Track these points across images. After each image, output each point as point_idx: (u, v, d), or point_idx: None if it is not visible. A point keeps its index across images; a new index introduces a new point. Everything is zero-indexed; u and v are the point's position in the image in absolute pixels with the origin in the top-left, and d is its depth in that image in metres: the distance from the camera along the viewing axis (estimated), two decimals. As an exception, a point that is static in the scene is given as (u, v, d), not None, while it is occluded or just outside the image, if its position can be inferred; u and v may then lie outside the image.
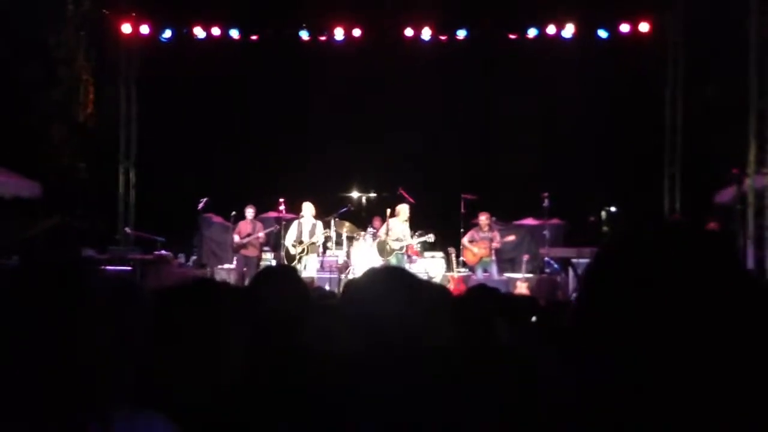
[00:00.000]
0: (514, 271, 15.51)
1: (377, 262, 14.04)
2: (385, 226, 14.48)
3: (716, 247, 1.22)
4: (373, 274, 2.54)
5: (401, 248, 14.31)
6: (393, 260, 14.11)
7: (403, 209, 14.50)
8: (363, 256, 14.51)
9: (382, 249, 14.36)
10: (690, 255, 1.21)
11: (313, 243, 14.47)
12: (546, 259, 15.14)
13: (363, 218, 15.70)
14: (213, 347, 2.26)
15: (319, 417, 2.19)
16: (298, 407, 2.23)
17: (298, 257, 14.43)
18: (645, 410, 1.16)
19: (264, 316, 2.88)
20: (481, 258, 14.53)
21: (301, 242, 14.47)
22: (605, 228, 14.52)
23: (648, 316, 1.17)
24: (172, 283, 2.49)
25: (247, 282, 12.53)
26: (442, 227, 15.64)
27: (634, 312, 1.18)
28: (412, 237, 14.51)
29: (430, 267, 14.99)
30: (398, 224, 14.43)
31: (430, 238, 14.45)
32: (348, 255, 14.84)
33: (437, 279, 14.20)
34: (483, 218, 14.61)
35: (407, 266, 14.32)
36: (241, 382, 2.27)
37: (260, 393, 2.29)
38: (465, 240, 14.75)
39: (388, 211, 14.70)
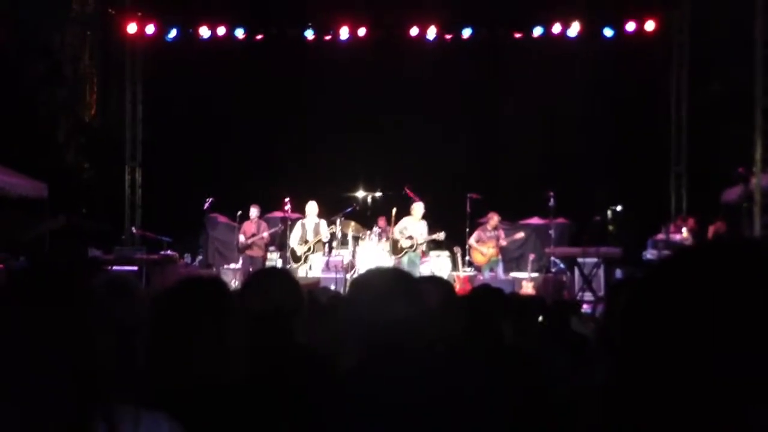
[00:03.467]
0: (519, 270, 15.48)
1: (388, 260, 14.01)
2: (399, 224, 14.42)
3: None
4: (377, 275, 2.53)
5: (411, 246, 14.23)
6: (405, 259, 14.07)
7: (417, 208, 14.37)
8: (368, 256, 14.48)
9: (394, 248, 14.32)
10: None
11: (319, 241, 14.46)
12: (552, 258, 15.11)
13: (369, 218, 15.69)
14: (216, 346, 2.25)
15: (315, 417, 2.18)
16: (296, 408, 2.22)
17: (304, 257, 14.44)
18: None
19: (254, 318, 2.87)
20: (490, 258, 14.50)
21: (306, 241, 14.47)
22: (611, 227, 14.47)
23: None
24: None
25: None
26: (448, 227, 15.64)
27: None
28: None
29: (436, 266, 14.96)
30: (411, 223, 14.33)
31: (440, 236, 14.37)
32: (353, 255, 14.82)
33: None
34: (496, 218, 14.55)
35: (420, 266, 14.31)
36: (240, 381, 2.27)
37: (259, 392, 2.28)
38: (472, 240, 14.71)
39: (394, 210, 14.70)
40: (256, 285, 3.15)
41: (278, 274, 3.44)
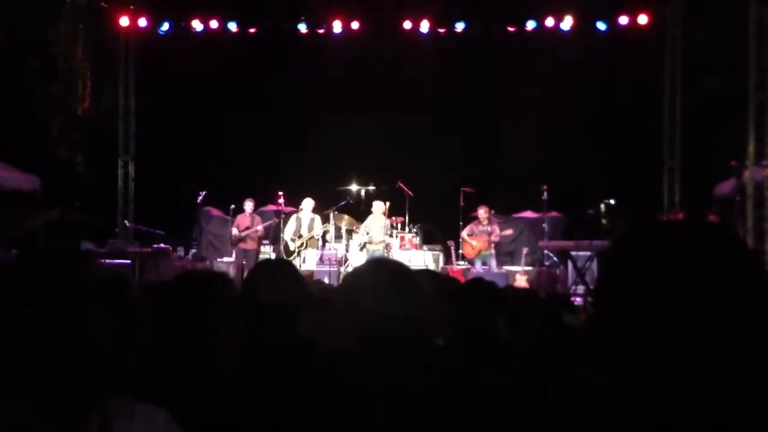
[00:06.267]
0: (513, 264, 15.52)
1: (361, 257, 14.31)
2: (365, 222, 14.75)
3: (726, 242, 1.22)
4: (371, 266, 2.53)
5: (365, 243, 14.49)
6: (364, 254, 14.34)
7: (376, 206, 14.87)
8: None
9: (359, 246, 14.72)
10: (704, 250, 1.21)
11: (312, 237, 14.51)
12: (545, 251, 15.13)
13: (362, 211, 15.69)
14: (210, 339, 2.25)
15: (315, 410, 2.19)
16: (296, 401, 2.23)
17: (297, 251, 14.46)
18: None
19: (260, 310, 2.88)
20: (479, 251, 14.56)
21: (300, 236, 14.50)
22: (604, 221, 14.48)
23: (666, 316, 1.17)
24: (170, 276, 2.49)
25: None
26: (441, 220, 15.66)
27: (651, 312, 1.18)
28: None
29: (429, 260, 15.00)
30: (371, 220, 14.76)
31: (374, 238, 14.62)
32: (347, 248, 14.88)
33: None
34: (482, 212, 14.63)
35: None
36: (238, 374, 2.27)
37: (257, 385, 2.28)
38: (464, 233, 14.77)
39: (387, 204, 14.80)
40: (262, 276, 3.15)
41: (283, 266, 3.44)
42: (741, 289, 1.16)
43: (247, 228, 14.61)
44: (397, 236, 15.15)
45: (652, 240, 1.26)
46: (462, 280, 12.86)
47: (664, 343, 1.16)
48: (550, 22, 16.26)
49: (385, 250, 14.56)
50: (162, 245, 14.61)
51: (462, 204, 15.20)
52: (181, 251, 16.07)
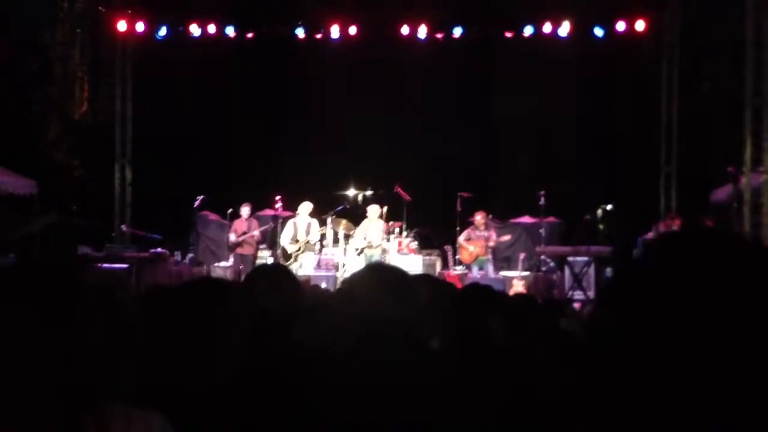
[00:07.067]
0: (510, 269, 15.50)
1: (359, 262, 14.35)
2: (360, 227, 14.77)
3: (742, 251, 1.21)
4: (368, 272, 2.53)
5: (361, 249, 14.52)
6: (361, 258, 14.38)
7: (370, 210, 14.93)
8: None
9: (356, 251, 14.75)
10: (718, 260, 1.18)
11: (309, 242, 14.51)
12: (542, 257, 15.14)
13: (360, 216, 15.69)
14: (209, 345, 2.25)
15: (313, 416, 2.19)
16: (293, 406, 2.23)
17: (294, 256, 14.46)
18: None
19: (257, 315, 2.88)
20: (477, 257, 14.56)
21: (297, 241, 14.50)
22: (601, 226, 14.50)
23: (675, 327, 1.14)
24: (167, 281, 2.49)
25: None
26: (439, 225, 15.67)
27: (658, 324, 1.16)
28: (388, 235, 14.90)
29: (426, 265, 15.01)
30: (367, 224, 14.80)
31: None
32: (344, 253, 14.87)
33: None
34: (479, 217, 14.63)
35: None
36: (237, 380, 2.26)
37: (255, 391, 2.28)
38: (461, 238, 14.76)
39: (385, 208, 14.83)
40: (259, 281, 3.15)
41: (280, 271, 3.44)
42: (752, 292, 1.15)
43: (244, 233, 14.61)
44: (394, 241, 15.15)
45: (662, 245, 1.25)
46: (459, 285, 12.89)
47: (667, 345, 1.14)
48: (547, 27, 16.26)
49: (383, 255, 14.57)
50: (159, 250, 14.60)
51: (459, 209, 15.19)
52: (178, 256, 16.05)
